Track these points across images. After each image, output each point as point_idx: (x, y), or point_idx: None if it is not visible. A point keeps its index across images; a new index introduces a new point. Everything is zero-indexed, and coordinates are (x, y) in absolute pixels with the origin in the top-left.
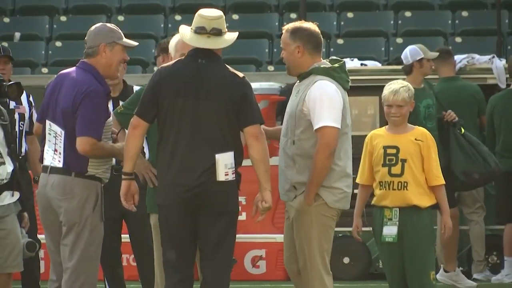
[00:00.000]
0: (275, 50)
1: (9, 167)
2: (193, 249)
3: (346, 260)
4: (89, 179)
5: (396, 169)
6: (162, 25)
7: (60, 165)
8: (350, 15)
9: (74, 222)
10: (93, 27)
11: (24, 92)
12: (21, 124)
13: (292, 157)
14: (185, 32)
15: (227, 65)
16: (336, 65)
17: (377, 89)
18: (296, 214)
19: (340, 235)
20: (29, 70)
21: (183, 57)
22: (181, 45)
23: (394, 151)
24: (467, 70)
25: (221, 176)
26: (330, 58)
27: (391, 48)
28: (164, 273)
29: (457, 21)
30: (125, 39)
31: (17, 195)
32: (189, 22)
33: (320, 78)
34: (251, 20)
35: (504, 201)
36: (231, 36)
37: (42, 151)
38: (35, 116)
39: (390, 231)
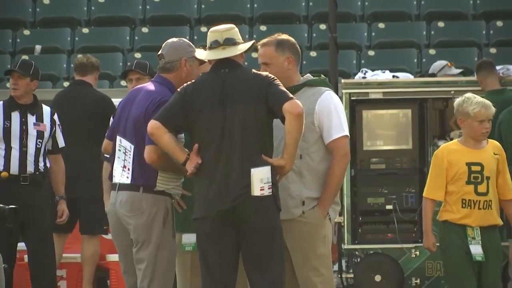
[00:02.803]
0: (304, 62)
1: None
2: (235, 263)
3: (377, 278)
4: (158, 194)
5: (482, 188)
6: (187, 37)
7: (128, 181)
8: (381, 25)
9: (144, 239)
10: (170, 42)
11: (49, 109)
12: (39, 142)
13: (300, 172)
14: (200, 53)
15: (251, 69)
16: (323, 77)
17: (409, 102)
18: (309, 229)
19: (371, 252)
20: (50, 83)
21: (205, 72)
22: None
23: (478, 168)
24: (501, 82)
25: (256, 191)
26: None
27: (424, 60)
28: None
29: (491, 32)
30: (198, 54)
31: None
32: None
33: (326, 89)
34: (279, 32)
35: None
36: (246, 45)
37: (112, 168)
38: (59, 134)
39: (476, 250)
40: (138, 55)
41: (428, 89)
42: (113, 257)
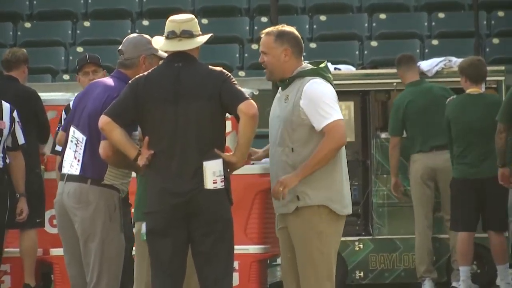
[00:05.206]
0: (246, 55)
1: None
2: (184, 257)
3: None
4: (106, 187)
5: None
6: (129, 31)
7: (77, 172)
8: (323, 18)
9: (90, 231)
10: (131, 37)
11: (8, 106)
12: None
13: (293, 166)
14: (158, 41)
15: (205, 64)
16: (322, 65)
17: (351, 94)
18: (303, 225)
19: None
20: None
21: (159, 64)
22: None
23: None
24: (444, 74)
25: (209, 184)
26: (310, 61)
27: (366, 52)
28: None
29: (433, 23)
30: (160, 52)
31: None
32: (156, 27)
33: (311, 78)
34: (221, 25)
35: (456, 209)
36: (204, 38)
37: (62, 159)
38: (19, 131)
39: None
40: (80, 49)
41: (370, 81)
42: (57, 251)
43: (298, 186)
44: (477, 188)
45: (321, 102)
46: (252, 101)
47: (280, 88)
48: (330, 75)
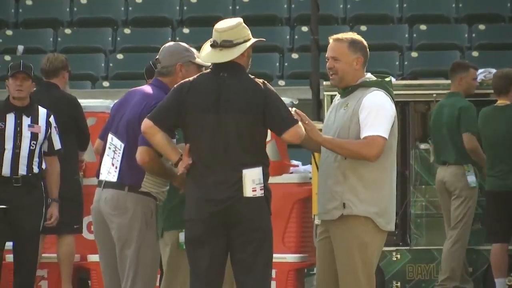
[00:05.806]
0: (286, 64)
1: None
2: (222, 266)
3: None
4: (143, 194)
5: None
6: (169, 38)
7: (115, 179)
8: (363, 28)
9: (126, 238)
10: (167, 45)
11: (45, 111)
12: (33, 143)
13: (344, 173)
14: (204, 48)
15: (250, 76)
16: (387, 79)
17: None
18: (347, 235)
19: None
20: None
21: (205, 71)
22: None
23: None
24: (484, 85)
25: (248, 192)
26: (373, 73)
27: (406, 62)
28: None
29: (473, 35)
30: (198, 59)
31: None
32: (196, 35)
33: (375, 89)
34: (261, 34)
35: (488, 220)
36: (242, 47)
37: (100, 165)
38: (55, 136)
39: None
40: (120, 56)
41: (410, 92)
42: (94, 258)
43: (345, 194)
44: (506, 199)
45: (376, 113)
46: (297, 126)
47: (338, 96)
48: (392, 90)
